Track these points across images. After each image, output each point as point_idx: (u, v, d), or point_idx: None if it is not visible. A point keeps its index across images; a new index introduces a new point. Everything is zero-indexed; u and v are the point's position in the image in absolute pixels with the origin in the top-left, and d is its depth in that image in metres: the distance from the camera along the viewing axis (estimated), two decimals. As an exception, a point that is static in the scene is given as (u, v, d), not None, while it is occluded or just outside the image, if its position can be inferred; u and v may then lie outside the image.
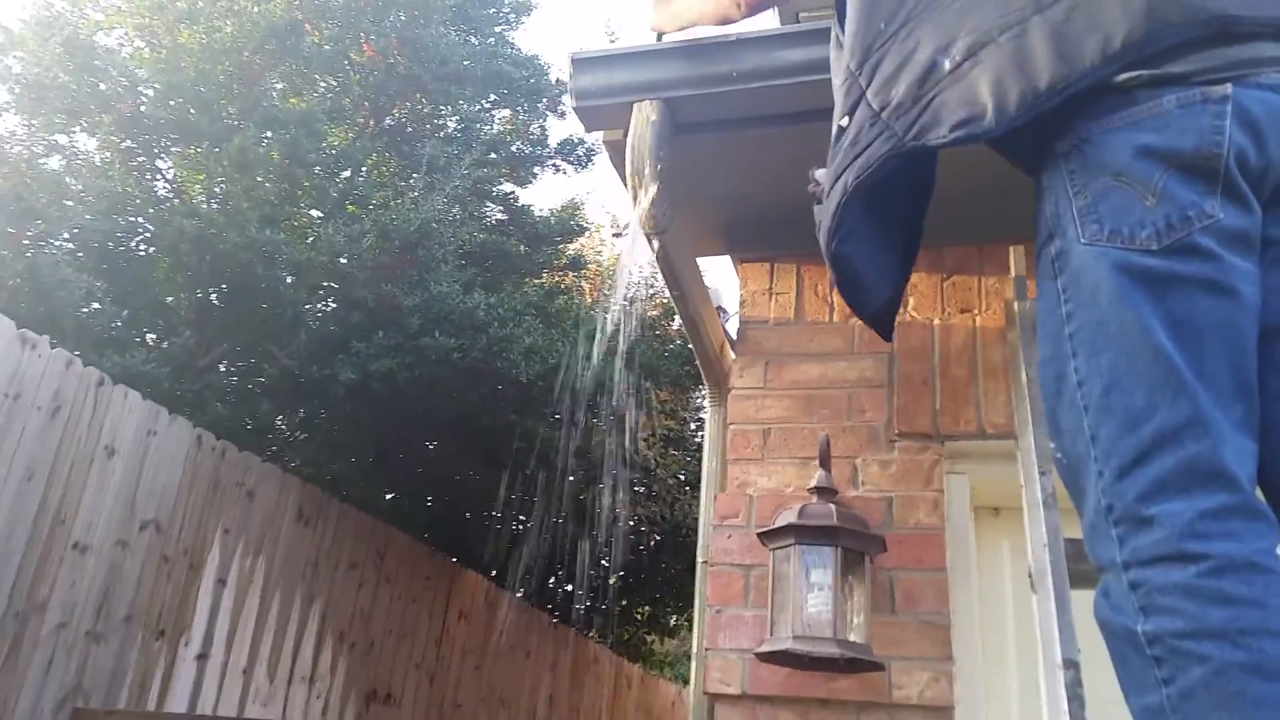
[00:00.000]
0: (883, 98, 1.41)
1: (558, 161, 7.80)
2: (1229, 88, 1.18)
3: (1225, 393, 1.14)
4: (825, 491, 2.19)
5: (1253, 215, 1.19)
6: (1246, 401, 1.16)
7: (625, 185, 2.22)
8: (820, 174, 1.63)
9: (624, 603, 9.11)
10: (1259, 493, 1.20)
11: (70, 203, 5.49)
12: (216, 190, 5.98)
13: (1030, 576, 1.48)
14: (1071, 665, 1.30)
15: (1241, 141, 1.17)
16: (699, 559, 2.63)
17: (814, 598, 2.03)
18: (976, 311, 2.46)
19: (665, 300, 7.16)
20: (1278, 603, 1.04)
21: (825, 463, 2.25)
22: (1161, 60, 1.21)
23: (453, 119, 7.42)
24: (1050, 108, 1.25)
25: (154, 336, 6.18)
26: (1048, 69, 1.24)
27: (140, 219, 5.89)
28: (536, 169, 7.71)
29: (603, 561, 8.24)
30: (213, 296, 5.95)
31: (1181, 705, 1.03)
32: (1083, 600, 1.30)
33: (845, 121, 1.48)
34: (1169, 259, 1.16)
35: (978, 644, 2.23)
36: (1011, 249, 2.14)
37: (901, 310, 2.53)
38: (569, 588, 8.37)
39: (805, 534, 2.09)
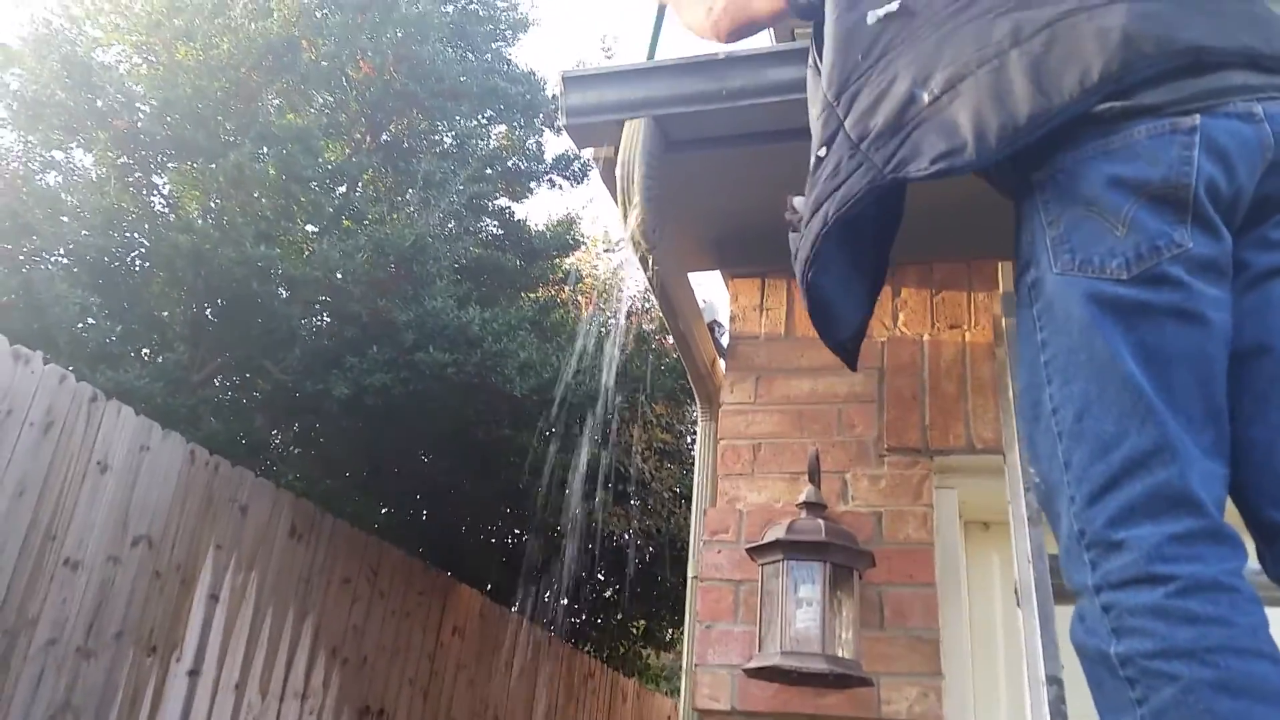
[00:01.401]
0: (861, 129, 1.41)
1: (553, 176, 7.84)
2: (1197, 118, 1.19)
3: (1195, 419, 1.16)
4: (814, 507, 2.19)
5: (1222, 243, 1.20)
6: (1215, 427, 1.18)
7: (616, 202, 2.23)
8: (798, 202, 1.63)
9: (620, 616, 9.09)
10: (1247, 512, 1.22)
11: (66, 219, 5.50)
12: (212, 206, 6.00)
13: (1016, 592, 1.49)
14: (1055, 681, 1.31)
15: (1211, 171, 1.18)
16: (689, 574, 2.63)
17: (802, 613, 2.03)
18: (966, 327, 2.47)
19: (660, 315, 7.18)
20: (1244, 620, 1.05)
21: (814, 478, 2.26)
22: (1134, 92, 1.22)
23: (449, 135, 7.46)
24: (1029, 142, 1.25)
25: (148, 352, 6.18)
26: (1027, 102, 1.25)
27: (136, 234, 5.91)
28: (532, 184, 7.74)
29: (598, 575, 8.23)
30: (207, 312, 5.96)
31: None
32: (1067, 617, 1.31)
33: (823, 152, 1.49)
34: (1139, 288, 1.18)
35: (967, 659, 2.23)
36: (1000, 265, 2.15)
37: (891, 325, 2.54)
38: (564, 602, 8.35)
39: (794, 549, 2.09)
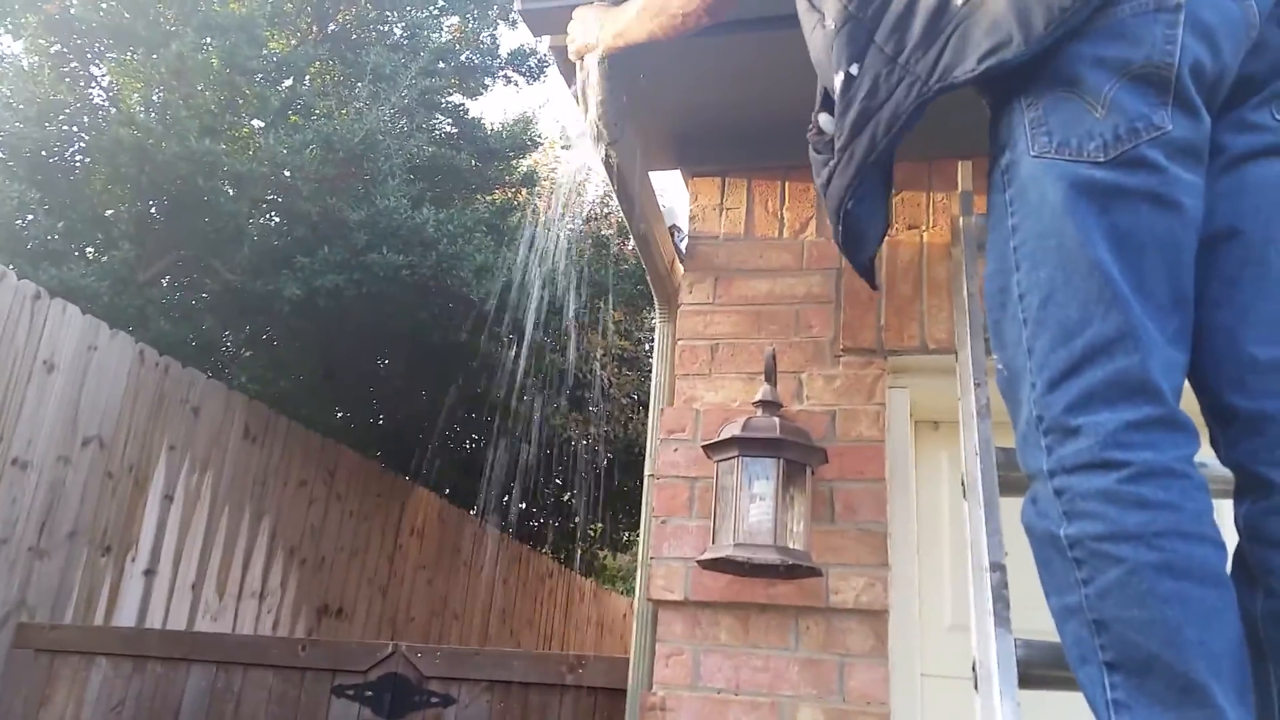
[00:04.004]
0: (897, 42, 1.35)
1: (509, 72, 7.61)
2: None
3: (1162, 306, 1.16)
4: (770, 405, 2.21)
5: (1202, 125, 1.19)
6: (1182, 314, 1.18)
7: (573, 95, 2.17)
8: (824, 120, 1.54)
9: (577, 519, 9.24)
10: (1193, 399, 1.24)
11: (-3, 109, 5.26)
12: (154, 99, 5.75)
13: (963, 484, 1.52)
14: (998, 567, 1.35)
15: (1196, 50, 1.17)
16: (647, 472, 2.66)
17: (755, 507, 2.06)
18: (924, 227, 2.47)
19: (619, 219, 7.10)
20: (1192, 506, 1.08)
21: (771, 377, 2.27)
22: None
23: (399, 26, 7.18)
24: (1079, 21, 1.20)
25: (92, 250, 6.01)
26: None
27: (75, 128, 5.67)
28: (487, 80, 7.50)
29: (557, 479, 8.32)
30: (153, 209, 5.77)
31: (1098, 604, 1.07)
32: (1011, 507, 1.34)
33: (855, 69, 1.40)
34: (1115, 171, 1.16)
35: (913, 551, 2.30)
36: (960, 164, 2.13)
37: (850, 226, 2.53)
38: (523, 505, 8.45)
39: (748, 446, 2.12)
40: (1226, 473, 1.26)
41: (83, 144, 5.66)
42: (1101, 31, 1.19)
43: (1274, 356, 1.18)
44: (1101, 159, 1.17)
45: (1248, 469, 1.19)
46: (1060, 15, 1.19)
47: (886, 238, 2.46)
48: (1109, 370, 1.13)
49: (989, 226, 1.33)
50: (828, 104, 1.52)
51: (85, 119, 5.67)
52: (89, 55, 5.87)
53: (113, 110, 5.80)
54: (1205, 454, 1.22)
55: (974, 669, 1.31)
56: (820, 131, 1.55)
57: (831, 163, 1.48)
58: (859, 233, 1.57)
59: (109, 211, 5.75)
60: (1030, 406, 1.19)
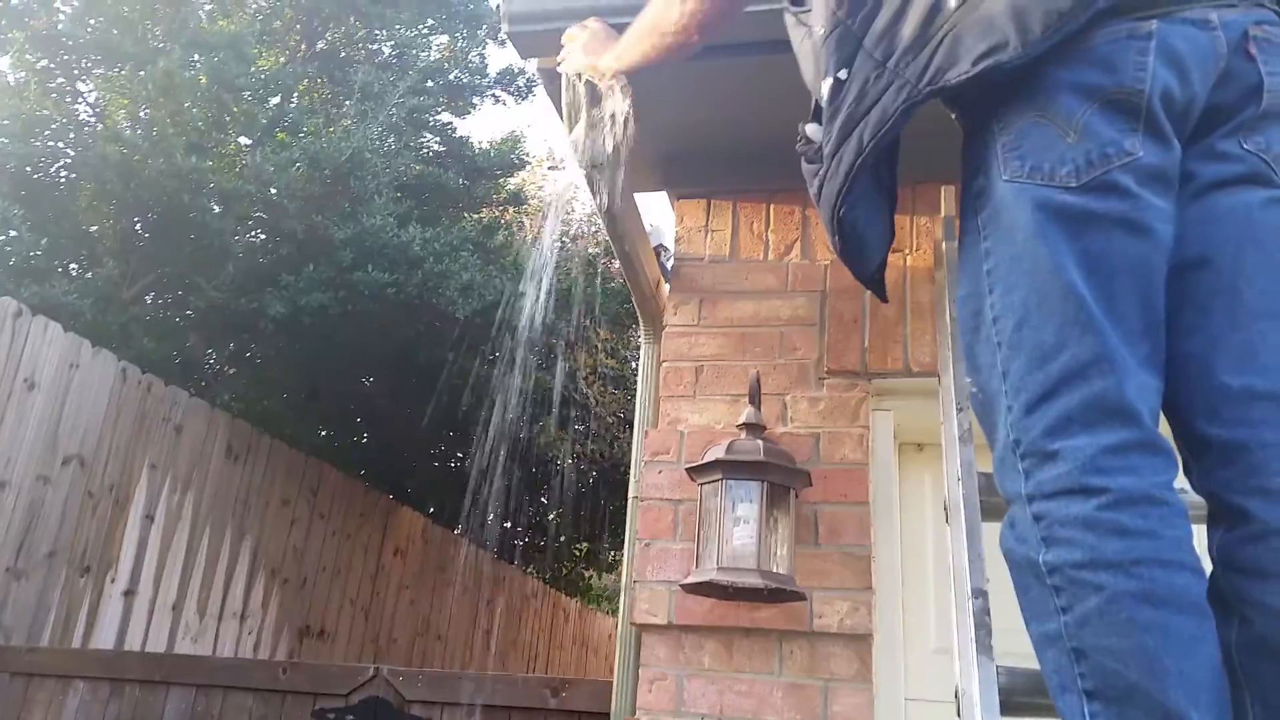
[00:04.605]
0: (887, 46, 1.34)
1: (497, 92, 7.62)
2: (1155, 24, 1.18)
3: (1134, 330, 1.16)
4: (754, 428, 2.21)
5: (1172, 152, 1.20)
6: (1154, 339, 1.19)
7: (561, 116, 2.17)
8: (812, 130, 1.53)
9: (563, 539, 9.20)
10: (1166, 425, 1.24)
11: (-19, 124, 5.24)
12: (141, 115, 5.75)
13: (945, 509, 1.52)
14: (980, 594, 1.34)
15: (1166, 78, 1.18)
16: (631, 494, 2.65)
17: (739, 531, 2.06)
18: (907, 251, 2.48)
19: (606, 239, 7.11)
20: (1171, 533, 1.07)
21: (755, 399, 2.27)
22: None
23: (388, 44, 7.20)
24: (1076, 29, 1.20)
25: (76, 267, 5.97)
26: None
27: (60, 144, 5.65)
28: (475, 99, 7.52)
29: (542, 499, 8.29)
30: (138, 225, 5.75)
31: (1078, 632, 1.07)
32: (993, 532, 1.34)
33: (844, 74, 1.39)
34: (1086, 196, 1.17)
35: (898, 574, 2.30)
36: (943, 189, 2.14)
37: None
38: (508, 524, 8.41)
39: (732, 469, 2.12)
40: None
41: (68, 160, 5.64)
42: (1075, 57, 1.20)
43: (1246, 385, 1.19)
44: (1073, 184, 1.18)
45: (1221, 498, 1.19)
46: (1059, 20, 1.19)
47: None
48: (1086, 394, 1.13)
49: (962, 249, 1.33)
50: (816, 116, 1.51)
51: (71, 135, 5.66)
52: (76, 71, 5.86)
53: (99, 127, 5.79)
54: (1185, 479, 1.22)
55: (956, 696, 1.30)
56: (808, 141, 1.54)
57: (821, 170, 1.47)
58: (858, 240, 1.53)
59: (93, 228, 5.73)
60: (1007, 430, 1.19)
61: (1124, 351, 1.14)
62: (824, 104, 1.44)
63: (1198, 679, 1.02)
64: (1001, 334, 1.21)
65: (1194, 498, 1.30)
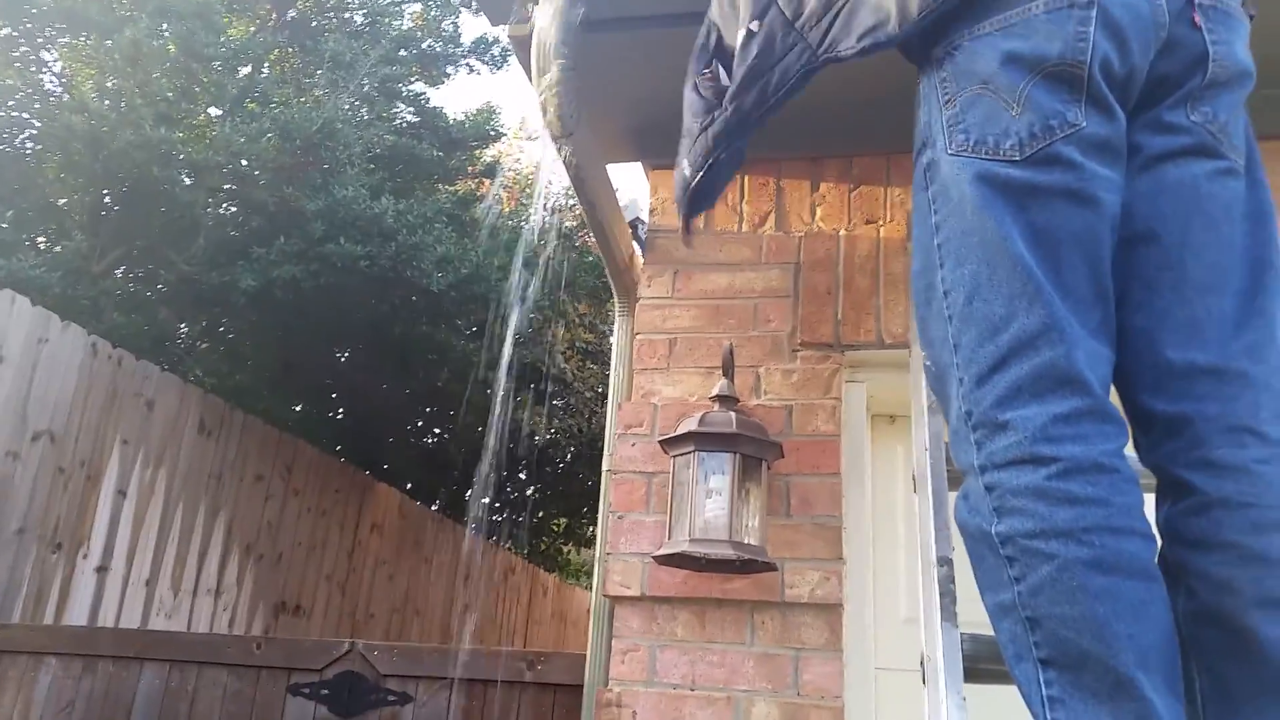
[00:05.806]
0: (796, 6, 1.37)
1: (471, 61, 7.53)
2: None
3: (1083, 299, 1.17)
4: (727, 400, 2.21)
5: (1116, 123, 1.20)
6: (1103, 308, 1.19)
7: (532, 83, 2.15)
8: (725, 75, 1.55)
9: (540, 514, 9.21)
10: (1115, 396, 1.25)
11: (-59, 93, 5.12)
12: (108, 85, 5.64)
13: (914, 479, 1.53)
14: (945, 562, 1.35)
15: (1105, 48, 1.17)
16: (604, 467, 2.65)
17: (711, 502, 2.06)
18: (881, 222, 2.48)
19: (584, 213, 7.06)
20: (1121, 500, 1.08)
21: (728, 371, 2.27)
22: None
23: (359, 13, 7.09)
24: (951, 7, 1.22)
25: (44, 240, 5.89)
26: None
27: (25, 114, 5.55)
28: (449, 68, 7.43)
29: (520, 474, 8.29)
30: (106, 198, 5.66)
31: (1031, 601, 1.08)
32: (961, 501, 1.34)
33: (755, 26, 1.43)
34: (1031, 169, 1.17)
35: (868, 544, 2.31)
36: (916, 160, 2.14)
37: (809, 220, 2.54)
38: (485, 500, 8.41)
39: (705, 441, 2.12)
40: None
41: (33, 131, 5.54)
42: (1017, 28, 1.20)
43: (1189, 360, 1.20)
44: (1017, 157, 1.18)
45: (1167, 471, 1.20)
46: (935, 2, 1.23)
47: (845, 232, 2.49)
48: (1035, 363, 1.13)
49: (915, 223, 1.33)
50: (727, 58, 1.53)
51: (36, 105, 5.55)
52: (40, 40, 5.74)
53: (65, 97, 5.68)
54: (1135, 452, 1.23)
55: (922, 663, 1.31)
56: (715, 80, 1.56)
57: (716, 112, 1.50)
58: (710, 188, 1.58)
59: (61, 201, 5.64)
60: (959, 402, 1.20)
61: (1073, 321, 1.15)
62: (736, 51, 1.47)
63: (1147, 642, 1.04)
64: (953, 307, 1.22)
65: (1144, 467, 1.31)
